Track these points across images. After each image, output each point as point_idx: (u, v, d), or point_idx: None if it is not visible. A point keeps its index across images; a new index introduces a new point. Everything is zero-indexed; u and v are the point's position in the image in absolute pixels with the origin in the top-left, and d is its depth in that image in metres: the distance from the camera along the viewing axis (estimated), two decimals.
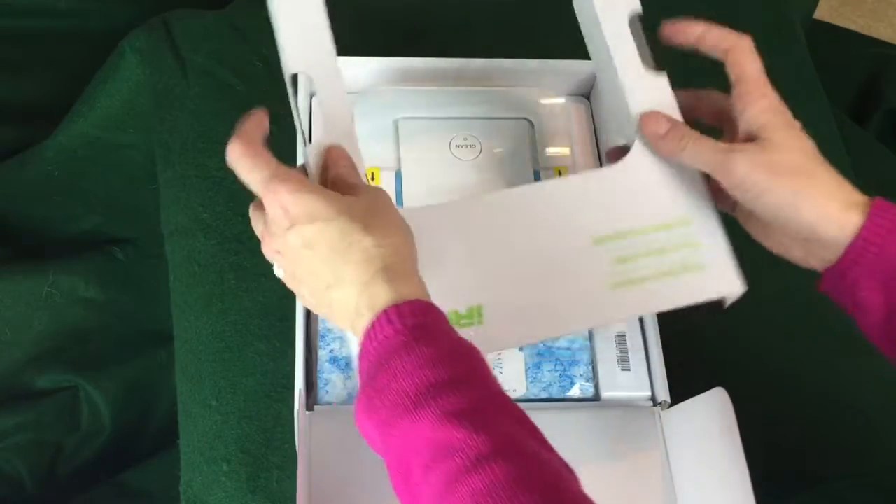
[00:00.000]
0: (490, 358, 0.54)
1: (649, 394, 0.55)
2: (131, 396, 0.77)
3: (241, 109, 0.69)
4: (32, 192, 0.82)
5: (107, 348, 0.78)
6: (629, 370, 0.55)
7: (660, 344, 0.55)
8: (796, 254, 0.46)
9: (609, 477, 0.52)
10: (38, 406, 0.74)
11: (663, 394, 0.54)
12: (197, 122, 0.69)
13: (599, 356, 0.55)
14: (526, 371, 0.54)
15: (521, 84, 0.63)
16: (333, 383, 0.53)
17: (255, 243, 0.64)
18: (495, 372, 0.54)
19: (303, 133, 0.60)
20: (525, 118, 0.61)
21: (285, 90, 0.70)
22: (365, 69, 0.63)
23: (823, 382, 0.66)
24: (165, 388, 0.78)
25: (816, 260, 0.45)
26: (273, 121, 0.69)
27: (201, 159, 0.68)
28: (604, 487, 0.52)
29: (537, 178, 0.59)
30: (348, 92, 0.63)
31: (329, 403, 0.53)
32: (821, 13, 0.78)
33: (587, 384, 0.54)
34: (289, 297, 0.59)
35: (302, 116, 0.60)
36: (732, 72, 0.48)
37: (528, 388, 0.54)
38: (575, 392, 0.54)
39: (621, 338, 0.56)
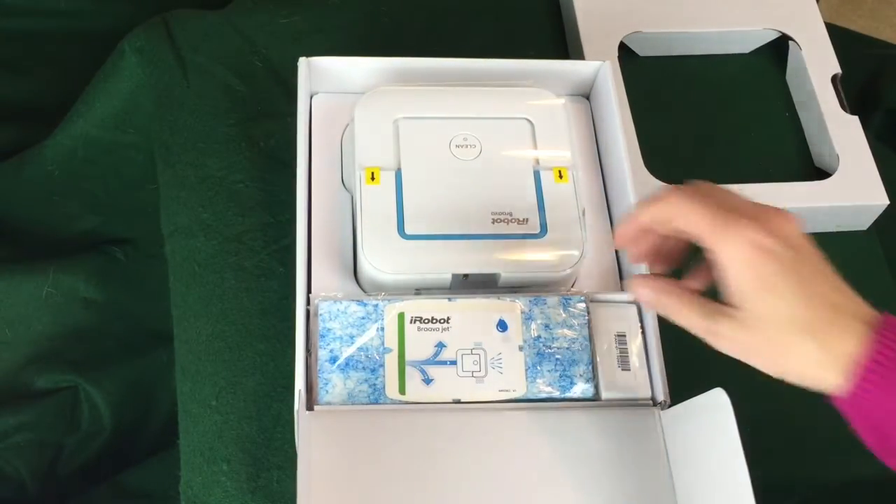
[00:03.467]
0: (489, 357, 0.54)
1: (649, 394, 0.55)
2: (131, 396, 0.77)
3: (241, 109, 0.70)
4: (32, 192, 0.82)
5: (107, 348, 0.78)
6: (629, 370, 0.55)
7: (660, 344, 0.55)
8: None
9: (609, 477, 0.52)
10: (37, 406, 0.74)
11: (663, 394, 0.54)
12: (197, 122, 0.69)
13: (599, 356, 0.55)
14: (526, 371, 0.54)
15: (521, 84, 0.63)
16: (333, 383, 0.53)
17: (255, 243, 0.64)
18: (494, 372, 0.54)
19: (304, 137, 0.60)
20: (525, 118, 0.61)
21: (284, 90, 0.70)
22: (365, 69, 0.63)
23: None
24: (165, 388, 0.78)
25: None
26: (272, 120, 0.69)
27: (201, 159, 0.68)
28: (603, 488, 0.52)
29: (537, 178, 0.59)
30: (348, 92, 0.64)
31: (329, 403, 0.53)
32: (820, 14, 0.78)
33: (587, 384, 0.54)
34: (289, 298, 0.59)
35: (301, 116, 0.60)
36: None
37: (527, 388, 0.54)
38: (575, 392, 0.54)
39: (621, 338, 0.56)
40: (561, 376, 0.54)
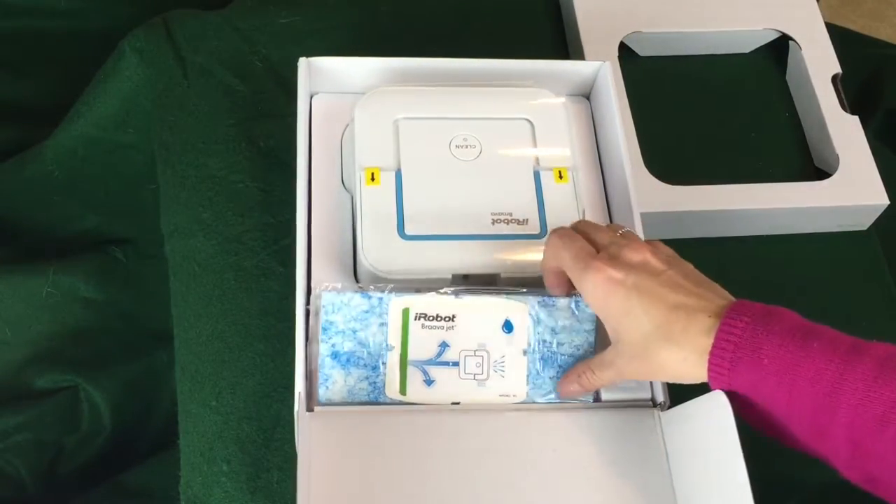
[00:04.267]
0: (492, 359, 0.54)
1: (649, 395, 0.55)
2: (131, 396, 0.77)
3: (241, 109, 0.70)
4: (32, 192, 0.82)
5: (107, 348, 0.78)
6: None
7: None
8: None
9: (608, 478, 0.52)
10: (37, 406, 0.74)
11: (662, 395, 0.54)
12: (197, 122, 0.69)
13: None
14: (528, 376, 0.54)
15: (521, 84, 0.63)
16: (334, 379, 0.53)
17: (255, 243, 0.64)
18: (496, 376, 0.54)
19: (304, 137, 0.60)
20: (525, 118, 0.61)
21: (284, 90, 0.70)
22: (365, 69, 0.63)
23: None
24: (165, 388, 0.78)
25: None
26: (272, 120, 0.69)
27: (201, 159, 0.68)
28: (603, 489, 0.52)
29: (537, 178, 0.58)
30: (348, 92, 0.64)
31: (329, 400, 0.52)
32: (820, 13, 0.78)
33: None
34: (289, 298, 0.59)
35: (301, 116, 0.60)
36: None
37: (528, 394, 0.54)
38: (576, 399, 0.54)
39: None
40: None
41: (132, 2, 0.87)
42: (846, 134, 0.71)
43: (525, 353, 0.54)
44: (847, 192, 0.69)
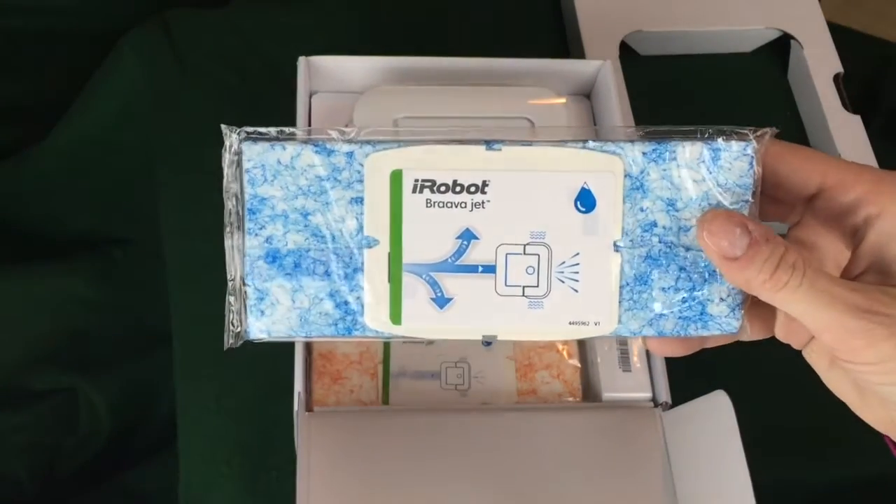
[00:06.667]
0: (556, 259, 0.33)
1: (650, 395, 0.54)
2: (131, 397, 0.77)
3: (241, 109, 0.70)
4: (31, 192, 0.82)
5: (106, 348, 0.78)
6: (630, 371, 0.55)
7: None
8: None
9: (609, 478, 0.52)
10: (36, 407, 0.74)
11: (664, 395, 0.54)
12: (196, 121, 0.69)
13: (600, 357, 0.55)
14: (621, 289, 0.33)
15: (521, 84, 0.63)
16: (274, 297, 0.34)
17: None
18: (563, 288, 0.33)
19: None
20: (525, 117, 0.61)
21: (284, 90, 0.70)
22: (365, 69, 0.63)
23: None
24: (165, 389, 0.78)
25: None
26: (272, 120, 0.69)
27: (201, 159, 0.67)
28: (604, 489, 0.52)
29: None
30: (348, 91, 0.64)
31: (269, 334, 0.35)
32: (823, 12, 0.78)
33: (730, 312, 0.34)
34: None
35: (300, 115, 0.60)
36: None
37: (620, 321, 0.33)
38: (710, 326, 0.34)
39: (622, 338, 0.56)
40: (687, 298, 0.33)
41: (132, 2, 0.87)
42: (848, 133, 0.71)
43: (617, 247, 0.33)
44: None
